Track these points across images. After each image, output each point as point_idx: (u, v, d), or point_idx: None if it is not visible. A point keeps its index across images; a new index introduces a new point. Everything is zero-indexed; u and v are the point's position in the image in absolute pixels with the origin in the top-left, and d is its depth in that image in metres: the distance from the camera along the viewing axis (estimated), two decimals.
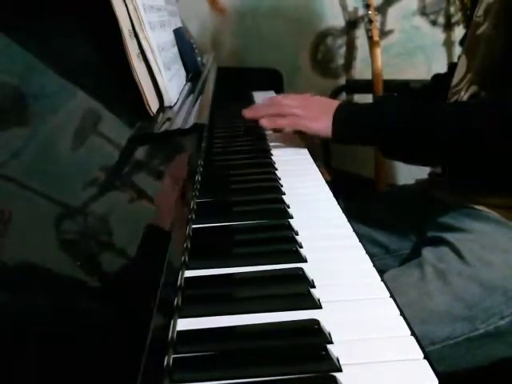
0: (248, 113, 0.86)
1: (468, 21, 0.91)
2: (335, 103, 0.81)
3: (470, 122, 0.67)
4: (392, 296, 0.45)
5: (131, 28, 0.61)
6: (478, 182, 0.75)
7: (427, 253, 0.72)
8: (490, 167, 0.71)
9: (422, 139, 0.71)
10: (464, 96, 0.77)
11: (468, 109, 0.70)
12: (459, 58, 0.93)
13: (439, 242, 0.73)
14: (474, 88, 0.75)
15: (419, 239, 0.80)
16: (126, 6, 0.60)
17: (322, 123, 0.79)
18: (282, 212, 0.61)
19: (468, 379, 0.70)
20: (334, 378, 0.34)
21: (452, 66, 0.99)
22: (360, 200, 1.03)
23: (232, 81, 1.39)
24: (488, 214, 0.72)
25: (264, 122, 0.83)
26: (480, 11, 0.78)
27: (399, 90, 1.05)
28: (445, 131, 0.69)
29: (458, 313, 0.65)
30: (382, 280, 0.47)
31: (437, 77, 1.00)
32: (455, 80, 0.81)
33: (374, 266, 0.50)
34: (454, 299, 0.65)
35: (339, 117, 0.78)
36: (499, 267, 0.66)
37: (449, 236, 0.72)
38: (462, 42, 0.96)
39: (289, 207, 0.63)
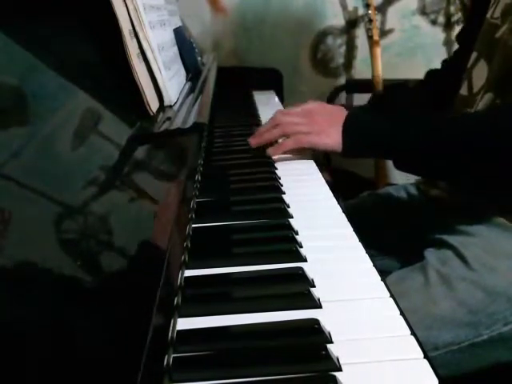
0: (253, 140, 0.82)
1: (470, 19, 0.89)
2: (342, 113, 0.75)
3: (493, 133, 0.64)
4: (392, 296, 0.45)
5: (131, 28, 0.61)
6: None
7: (430, 256, 0.71)
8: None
9: (442, 154, 0.68)
10: (479, 103, 0.74)
11: (489, 119, 0.66)
12: (456, 53, 0.91)
13: (442, 244, 0.72)
14: (489, 95, 0.72)
15: (420, 239, 0.80)
16: (126, 5, 0.60)
17: (330, 138, 0.74)
18: (281, 211, 0.61)
19: (468, 381, 0.69)
20: (334, 377, 0.34)
21: (446, 63, 0.97)
22: (360, 200, 1.03)
23: (232, 80, 1.39)
24: (492, 217, 0.71)
25: (270, 152, 0.80)
26: (497, 12, 0.74)
27: (396, 87, 1.05)
28: (466, 146, 0.66)
29: (462, 318, 0.64)
30: (382, 280, 0.47)
31: (430, 73, 0.99)
32: (476, 87, 0.77)
33: (374, 265, 0.50)
34: (457, 305, 0.64)
35: (349, 130, 0.73)
36: (503, 273, 0.65)
37: (452, 239, 0.71)
38: (458, 37, 0.94)
39: (289, 207, 0.63)
